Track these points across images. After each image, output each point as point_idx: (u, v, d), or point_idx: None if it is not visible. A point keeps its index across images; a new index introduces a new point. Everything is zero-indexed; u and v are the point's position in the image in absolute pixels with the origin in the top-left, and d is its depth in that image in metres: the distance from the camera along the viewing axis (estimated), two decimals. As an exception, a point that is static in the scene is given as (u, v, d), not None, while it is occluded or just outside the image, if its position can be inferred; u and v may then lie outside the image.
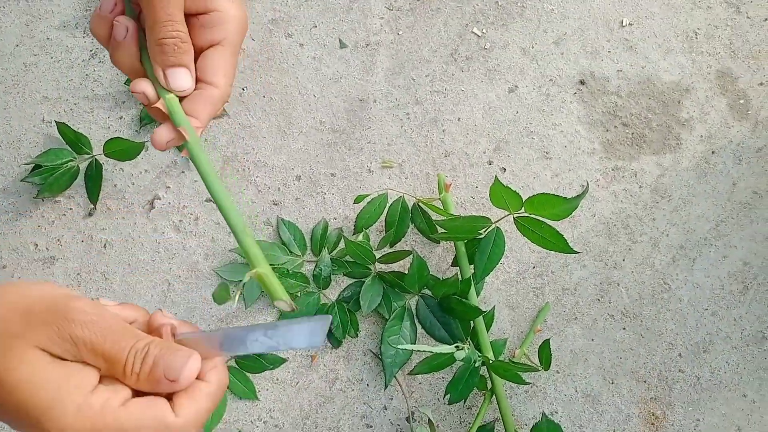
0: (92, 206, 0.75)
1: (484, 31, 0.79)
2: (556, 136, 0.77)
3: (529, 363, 0.71)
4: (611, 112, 0.78)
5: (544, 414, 0.68)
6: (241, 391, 0.70)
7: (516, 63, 0.79)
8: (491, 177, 0.75)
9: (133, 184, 0.75)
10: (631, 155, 0.77)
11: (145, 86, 0.41)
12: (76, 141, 0.74)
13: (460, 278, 0.70)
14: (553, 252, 0.74)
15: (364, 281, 0.72)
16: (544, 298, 0.74)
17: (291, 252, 0.73)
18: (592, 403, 0.72)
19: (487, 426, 0.70)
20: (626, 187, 0.76)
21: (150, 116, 0.75)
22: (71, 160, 0.74)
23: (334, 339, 0.72)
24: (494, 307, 0.73)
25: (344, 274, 0.73)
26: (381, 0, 0.80)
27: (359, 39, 0.79)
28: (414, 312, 0.72)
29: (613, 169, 0.76)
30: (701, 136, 0.77)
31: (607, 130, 0.77)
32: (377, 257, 0.72)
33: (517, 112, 0.78)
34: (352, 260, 0.72)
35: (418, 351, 0.69)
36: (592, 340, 0.73)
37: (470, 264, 0.70)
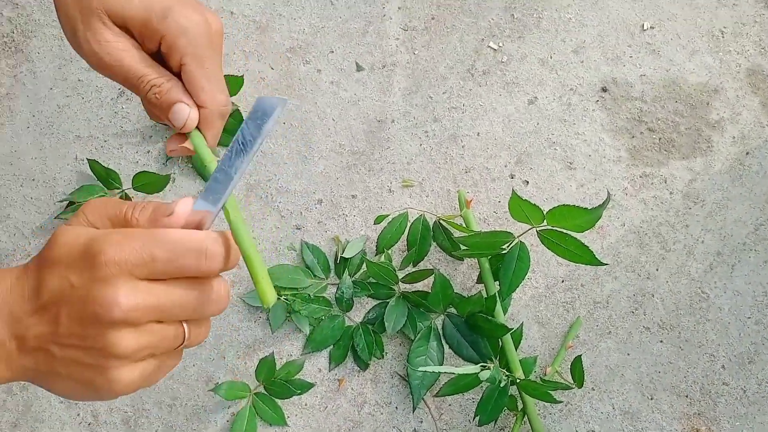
0: (123, 239, 0.77)
1: (501, 44, 0.79)
2: (579, 146, 0.75)
3: (561, 380, 0.68)
4: (636, 118, 0.76)
5: (579, 433, 0.65)
6: (270, 417, 0.70)
7: (535, 74, 0.78)
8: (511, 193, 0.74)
9: (162, 215, 0.77)
10: (659, 161, 0.74)
11: (173, 144, 0.43)
12: (106, 177, 0.76)
13: (485, 295, 0.69)
14: (582, 265, 0.73)
15: (388, 302, 0.71)
16: (575, 312, 0.72)
17: (315, 275, 0.73)
18: (631, 420, 0.69)
19: (521, 447, 0.68)
20: (656, 194, 0.74)
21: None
22: (103, 195, 0.77)
23: (360, 362, 0.71)
24: (522, 323, 0.71)
25: (368, 296, 0.72)
26: (396, 21, 0.80)
27: (375, 61, 0.79)
28: (441, 332, 0.71)
29: (641, 176, 0.74)
30: (734, 137, 0.74)
31: (633, 137, 0.75)
32: (400, 277, 0.71)
33: (538, 124, 0.76)
34: (375, 281, 0.72)
35: (442, 372, 0.68)
36: (628, 354, 0.71)
37: (495, 280, 0.69)
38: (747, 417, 0.68)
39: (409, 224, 0.73)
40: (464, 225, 0.71)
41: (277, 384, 0.71)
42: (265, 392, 0.71)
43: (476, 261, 0.72)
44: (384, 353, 0.71)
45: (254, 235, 0.76)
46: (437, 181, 0.76)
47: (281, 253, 0.75)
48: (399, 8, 0.80)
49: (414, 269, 0.73)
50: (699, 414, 0.69)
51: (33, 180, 0.79)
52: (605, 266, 0.72)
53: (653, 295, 0.72)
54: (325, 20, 0.80)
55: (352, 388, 0.72)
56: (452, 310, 0.71)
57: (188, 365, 0.73)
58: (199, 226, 0.37)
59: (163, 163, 0.79)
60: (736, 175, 0.73)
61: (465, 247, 0.67)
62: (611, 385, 0.70)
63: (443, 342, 0.71)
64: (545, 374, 0.70)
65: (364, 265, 0.73)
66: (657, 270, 0.72)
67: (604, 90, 0.77)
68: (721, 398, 0.69)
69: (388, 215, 0.72)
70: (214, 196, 0.37)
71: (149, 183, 0.75)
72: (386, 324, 0.70)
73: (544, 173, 0.75)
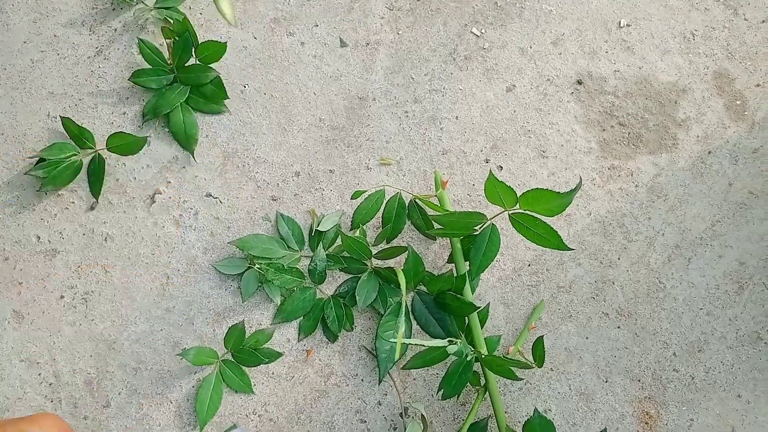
0: (94, 200, 0.76)
1: (483, 31, 0.80)
2: (552, 135, 0.78)
3: (523, 360, 0.71)
4: (608, 111, 0.78)
5: (537, 411, 0.68)
6: (237, 384, 0.71)
7: (514, 63, 0.80)
8: (488, 175, 0.76)
9: (135, 178, 0.77)
10: (627, 155, 0.77)
11: None
12: (79, 135, 0.75)
13: (455, 275, 0.70)
14: (548, 250, 0.75)
15: (360, 277, 0.72)
16: (539, 295, 0.74)
17: (289, 247, 0.74)
18: (586, 401, 0.72)
19: (480, 423, 0.70)
20: (622, 186, 0.77)
21: (152, 112, 0.76)
22: (75, 155, 0.75)
23: (330, 333, 0.73)
24: (489, 303, 0.73)
25: (340, 270, 0.73)
26: (381, 0, 0.81)
27: (360, 38, 0.80)
28: (410, 308, 0.72)
29: (609, 168, 0.77)
30: (698, 136, 0.78)
31: (604, 130, 0.78)
32: (374, 253, 0.73)
33: (515, 111, 0.78)
34: (348, 256, 0.73)
35: (412, 344, 0.69)
36: (587, 338, 0.74)
37: (466, 261, 0.71)
38: (693, 402, 0.72)
39: (385, 201, 0.74)
40: (439, 205, 0.72)
41: (245, 351, 0.71)
42: (233, 359, 0.72)
43: (448, 241, 0.74)
44: (353, 326, 0.73)
45: (229, 203, 0.76)
46: (414, 161, 0.77)
47: (256, 223, 0.75)
48: (385, -13, 0.81)
49: (387, 246, 0.74)
50: (649, 398, 0.72)
51: (2, 134, 0.77)
52: (570, 252, 0.75)
53: (614, 283, 0.75)
54: (311, -6, 0.80)
55: (319, 359, 0.73)
56: (422, 287, 0.73)
57: (155, 329, 0.73)
58: None
59: (139, 126, 0.78)
60: (698, 173, 0.77)
61: (439, 226, 0.69)
62: (569, 367, 0.73)
63: (412, 318, 0.72)
64: (508, 353, 0.72)
65: (339, 239, 0.74)
66: (619, 259, 0.75)
67: (580, 83, 0.79)
68: (670, 384, 0.73)
69: (365, 191, 0.73)
70: None
71: (124, 145, 0.74)
72: (357, 298, 0.71)
73: (518, 160, 0.77)
